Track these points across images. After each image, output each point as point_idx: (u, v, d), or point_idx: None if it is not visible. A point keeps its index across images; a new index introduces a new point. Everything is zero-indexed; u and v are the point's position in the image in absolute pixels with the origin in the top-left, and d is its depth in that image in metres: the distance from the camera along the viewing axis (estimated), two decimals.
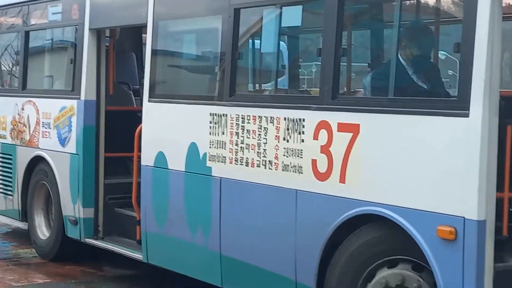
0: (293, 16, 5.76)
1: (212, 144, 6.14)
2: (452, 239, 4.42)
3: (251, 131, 5.79)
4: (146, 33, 7.19)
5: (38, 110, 8.53)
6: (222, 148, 6.05)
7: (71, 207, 7.92)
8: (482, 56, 4.34)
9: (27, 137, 8.69)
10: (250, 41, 6.53)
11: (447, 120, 4.52)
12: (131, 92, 8.67)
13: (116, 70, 8.19)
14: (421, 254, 4.59)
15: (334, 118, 5.15)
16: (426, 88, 5.17)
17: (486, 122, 4.34)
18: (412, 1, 5.83)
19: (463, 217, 4.39)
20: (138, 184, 7.10)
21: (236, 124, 5.92)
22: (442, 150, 4.53)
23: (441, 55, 6.83)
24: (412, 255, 4.72)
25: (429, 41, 5.54)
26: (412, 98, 4.97)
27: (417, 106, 4.72)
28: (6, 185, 9.22)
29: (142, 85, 7.23)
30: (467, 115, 4.40)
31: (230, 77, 6.03)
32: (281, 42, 6.30)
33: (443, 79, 5.48)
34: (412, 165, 4.68)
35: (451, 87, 5.78)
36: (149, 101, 6.91)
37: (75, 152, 7.87)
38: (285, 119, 5.51)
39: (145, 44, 7.55)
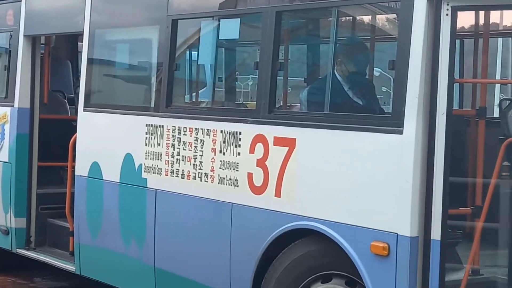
0: (230, 28, 5.76)
1: (148, 156, 6.09)
2: (385, 255, 4.46)
3: (187, 143, 5.77)
4: (82, 41, 7.11)
5: None
6: (158, 159, 6.01)
7: (3, 216, 7.76)
8: (416, 74, 4.40)
9: None
10: (187, 52, 6.50)
11: (381, 136, 4.56)
12: (66, 101, 8.55)
13: (51, 78, 8.09)
14: (355, 269, 4.62)
15: (271, 132, 5.16)
16: (361, 104, 5.22)
17: (420, 139, 4.40)
18: (348, 18, 5.90)
19: (396, 233, 4.43)
20: (72, 194, 7.00)
21: (173, 135, 5.89)
22: (376, 166, 4.57)
23: (376, 72, 6.89)
24: (346, 270, 4.75)
25: (365, 57, 5.60)
26: (348, 114, 5.02)
27: (352, 122, 4.76)
28: None
29: (77, 94, 7.15)
30: (401, 132, 4.45)
31: (166, 88, 6.00)
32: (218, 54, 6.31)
33: (378, 96, 5.55)
34: (347, 181, 4.72)
35: (386, 104, 5.85)
36: (84, 110, 6.83)
37: (7, 160, 7.73)
38: (221, 131, 5.50)
39: (81, 52, 7.46)
